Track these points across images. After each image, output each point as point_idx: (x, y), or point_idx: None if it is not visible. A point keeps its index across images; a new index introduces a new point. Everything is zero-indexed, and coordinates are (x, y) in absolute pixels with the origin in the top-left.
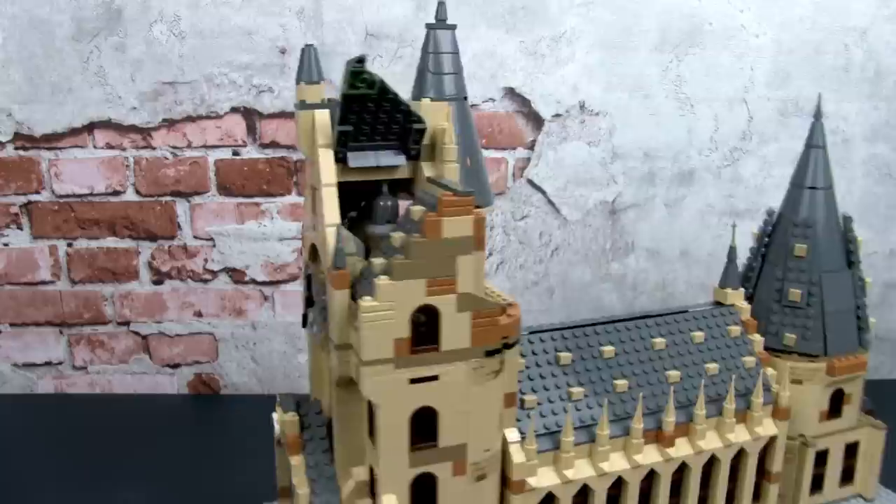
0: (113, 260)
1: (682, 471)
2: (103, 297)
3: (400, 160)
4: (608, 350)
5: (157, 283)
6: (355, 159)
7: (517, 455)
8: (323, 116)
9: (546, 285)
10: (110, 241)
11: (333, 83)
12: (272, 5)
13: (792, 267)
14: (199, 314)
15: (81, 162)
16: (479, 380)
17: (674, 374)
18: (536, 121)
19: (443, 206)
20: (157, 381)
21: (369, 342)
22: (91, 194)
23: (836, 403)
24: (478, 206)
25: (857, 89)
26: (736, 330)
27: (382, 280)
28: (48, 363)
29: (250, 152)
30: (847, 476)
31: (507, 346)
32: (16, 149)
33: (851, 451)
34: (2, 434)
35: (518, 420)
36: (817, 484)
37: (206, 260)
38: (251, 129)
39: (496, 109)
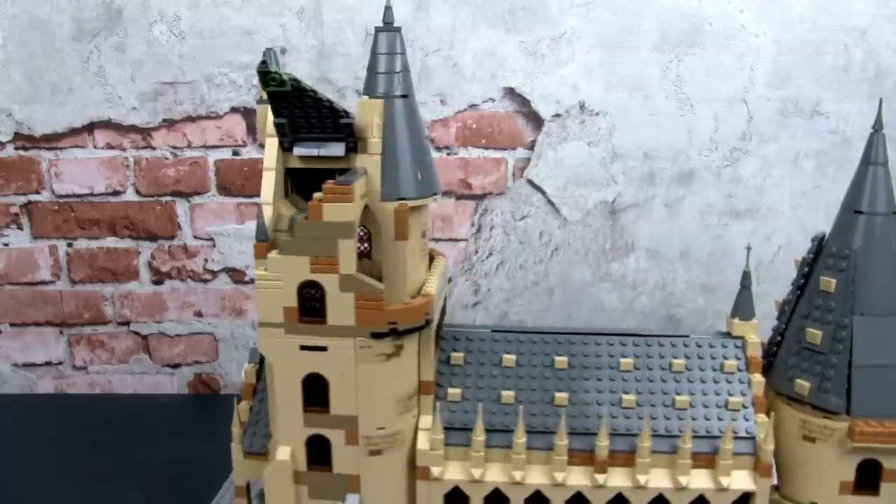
0: (113, 260)
1: None
2: (103, 297)
3: (339, 151)
4: (560, 360)
5: (158, 283)
6: (300, 149)
7: (422, 442)
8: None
9: (546, 285)
10: (110, 241)
11: (334, 83)
12: (272, 5)
13: (818, 304)
14: (199, 314)
15: (81, 162)
16: (368, 359)
17: (628, 398)
18: (536, 121)
19: (325, 193)
20: (157, 381)
21: (262, 306)
22: (91, 194)
23: (871, 477)
24: (434, 195)
25: (857, 89)
26: (732, 365)
27: (272, 254)
28: (48, 363)
29: (250, 152)
30: None
31: (397, 333)
32: (16, 149)
33: None
34: (2, 434)
35: (440, 411)
36: None
37: (206, 260)
38: (251, 129)
39: (496, 109)
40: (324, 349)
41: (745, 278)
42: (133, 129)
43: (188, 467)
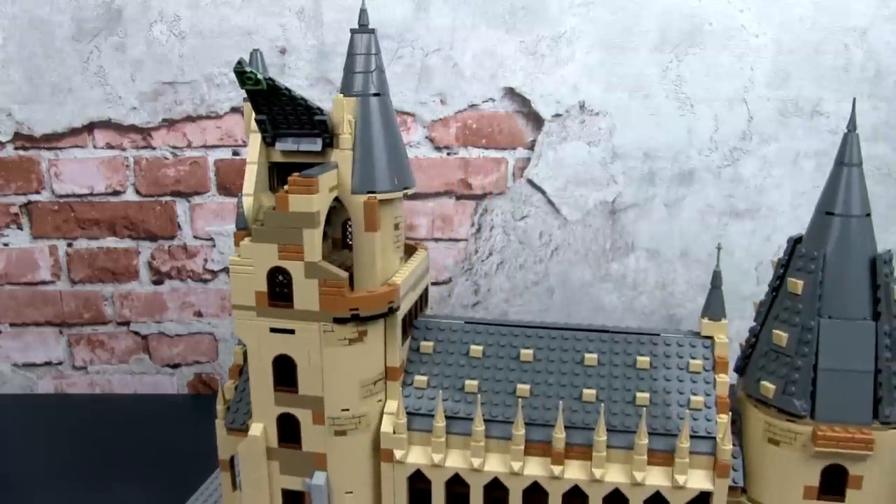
0: (113, 260)
1: (585, 498)
2: (103, 297)
3: (316, 146)
4: (526, 353)
5: (157, 283)
6: (280, 144)
7: (386, 425)
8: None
9: (546, 285)
10: (110, 241)
11: (334, 83)
12: (272, 5)
13: (786, 305)
14: (199, 314)
15: (81, 162)
16: (331, 343)
17: (588, 393)
18: (536, 121)
19: (290, 185)
20: (157, 381)
21: (235, 290)
22: (91, 194)
23: (837, 483)
24: (405, 188)
25: (857, 89)
26: (698, 364)
27: (244, 241)
28: (48, 363)
29: None
30: None
31: (359, 319)
32: (16, 149)
33: None
34: (2, 434)
35: (406, 396)
36: None
37: (206, 260)
38: None
39: (496, 109)
40: (291, 332)
41: (716, 278)
42: (133, 128)
43: (188, 467)
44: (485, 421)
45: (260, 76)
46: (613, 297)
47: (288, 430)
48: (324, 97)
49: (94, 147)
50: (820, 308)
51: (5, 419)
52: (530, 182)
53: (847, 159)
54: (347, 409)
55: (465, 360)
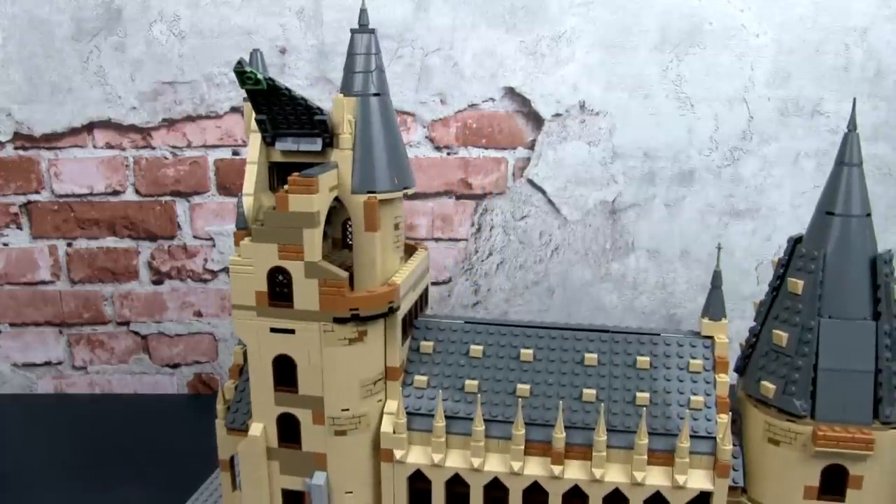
0: (113, 260)
1: (585, 498)
2: (103, 296)
3: (316, 146)
4: (526, 353)
5: (157, 282)
6: (280, 144)
7: (386, 425)
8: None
9: (546, 285)
10: (110, 241)
11: (333, 83)
12: (272, 5)
13: (786, 305)
14: (198, 314)
15: (81, 162)
16: (331, 343)
17: (588, 393)
18: (536, 120)
19: (290, 185)
20: (156, 381)
21: (235, 290)
22: (91, 194)
23: (837, 483)
24: (405, 188)
25: (858, 89)
26: (698, 364)
27: (245, 241)
28: (48, 363)
29: None
30: None
31: (359, 318)
32: (15, 149)
33: None
34: (2, 434)
35: (406, 396)
36: None
37: (205, 260)
38: None
39: (496, 109)
40: (291, 332)
41: (716, 278)
42: (133, 128)
43: (188, 467)
44: (485, 421)
45: (260, 76)
46: (613, 297)
47: (288, 429)
48: (324, 97)
49: (94, 147)
50: (820, 308)
51: (5, 419)
52: (530, 182)
53: (847, 159)
54: (347, 409)
55: (465, 360)
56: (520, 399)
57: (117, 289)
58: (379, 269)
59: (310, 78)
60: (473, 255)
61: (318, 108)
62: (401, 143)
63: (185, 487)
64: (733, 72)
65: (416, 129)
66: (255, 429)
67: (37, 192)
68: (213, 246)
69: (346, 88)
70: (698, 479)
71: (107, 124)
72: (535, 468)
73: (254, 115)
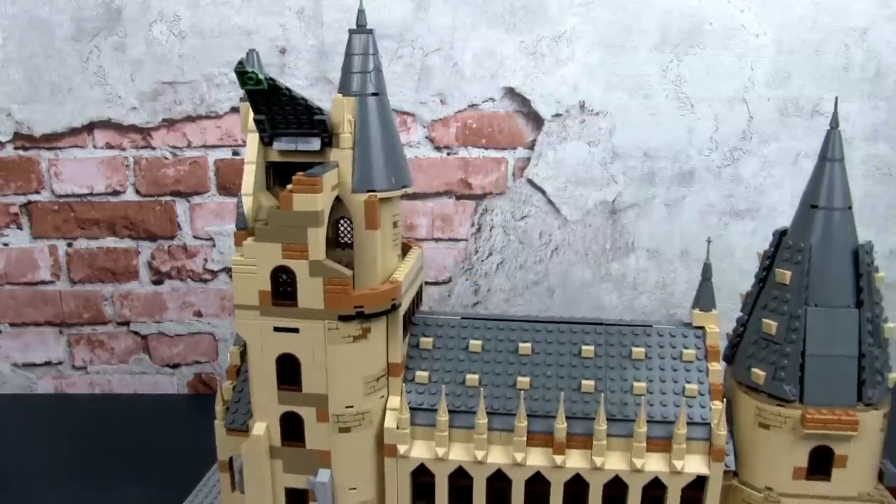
0: (113, 260)
1: (586, 486)
2: (103, 297)
3: (314, 145)
4: (524, 347)
5: (157, 282)
6: (279, 143)
7: (389, 421)
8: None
9: (546, 285)
10: (110, 241)
11: (333, 83)
12: (272, 5)
13: (774, 295)
14: (198, 314)
15: (81, 162)
16: (336, 340)
17: (587, 384)
18: (536, 120)
19: (294, 184)
20: (156, 381)
21: (238, 289)
22: (91, 194)
23: (824, 463)
24: (404, 187)
25: (858, 89)
26: (691, 354)
27: (248, 241)
28: (48, 363)
29: None
30: None
31: (363, 316)
32: (16, 149)
33: None
34: (2, 434)
35: (408, 392)
36: None
37: (205, 260)
38: None
39: (496, 109)
40: (296, 331)
41: (706, 270)
42: (133, 128)
43: (188, 467)
44: (487, 414)
45: (261, 76)
46: (613, 297)
47: (291, 428)
48: (324, 97)
49: (94, 147)
50: (807, 297)
51: (5, 419)
52: (530, 182)
53: (830, 154)
54: (352, 406)
55: (465, 355)
56: (521, 391)
57: (117, 289)
58: (380, 267)
59: (310, 78)
60: (473, 255)
61: (318, 108)
62: (399, 143)
63: (184, 487)
64: (733, 72)
65: (416, 130)
66: (258, 428)
67: (37, 192)
68: (213, 246)
69: (345, 88)
70: (695, 464)
71: (107, 124)
72: (537, 459)
73: (251, 115)
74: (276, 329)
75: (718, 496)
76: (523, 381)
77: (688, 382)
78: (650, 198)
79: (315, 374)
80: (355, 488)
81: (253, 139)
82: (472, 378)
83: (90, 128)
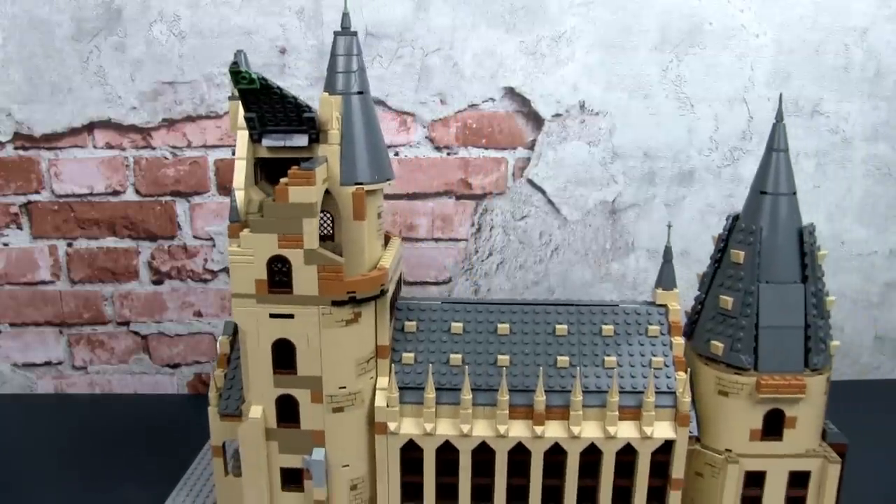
0: (113, 260)
1: (564, 454)
2: (103, 296)
3: (303, 142)
4: (503, 327)
5: (157, 282)
6: (268, 140)
7: (379, 400)
8: (241, 106)
9: (546, 285)
10: (110, 241)
11: None
12: (272, 5)
13: (729, 274)
14: (198, 314)
15: (81, 162)
16: (329, 325)
17: (563, 360)
18: (536, 120)
19: (290, 177)
20: (156, 381)
21: (235, 279)
22: (91, 194)
23: (776, 425)
24: (388, 180)
25: (858, 89)
26: (655, 329)
27: (244, 232)
28: (48, 363)
29: None
30: None
31: (355, 301)
32: (15, 149)
33: (804, 480)
34: (2, 434)
35: (396, 373)
36: None
37: (205, 260)
38: None
39: (496, 109)
40: (291, 316)
41: (667, 253)
42: (133, 128)
43: (188, 467)
44: (471, 390)
45: (254, 76)
46: (614, 297)
47: (286, 410)
48: None
49: (94, 147)
50: (758, 275)
51: (5, 419)
52: (530, 182)
53: (776, 146)
54: (344, 387)
55: (448, 337)
56: (502, 368)
57: (117, 289)
58: (367, 255)
59: (310, 78)
60: (473, 255)
61: (307, 106)
62: (381, 138)
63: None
64: (733, 72)
65: (416, 130)
66: (255, 411)
67: (37, 192)
68: (213, 246)
69: (330, 87)
70: (663, 430)
71: (107, 124)
72: (518, 430)
73: (241, 113)
74: (272, 315)
75: (685, 459)
76: (503, 359)
77: (654, 356)
78: (650, 198)
79: (309, 357)
80: (348, 465)
81: (243, 136)
82: (455, 358)
83: (90, 128)
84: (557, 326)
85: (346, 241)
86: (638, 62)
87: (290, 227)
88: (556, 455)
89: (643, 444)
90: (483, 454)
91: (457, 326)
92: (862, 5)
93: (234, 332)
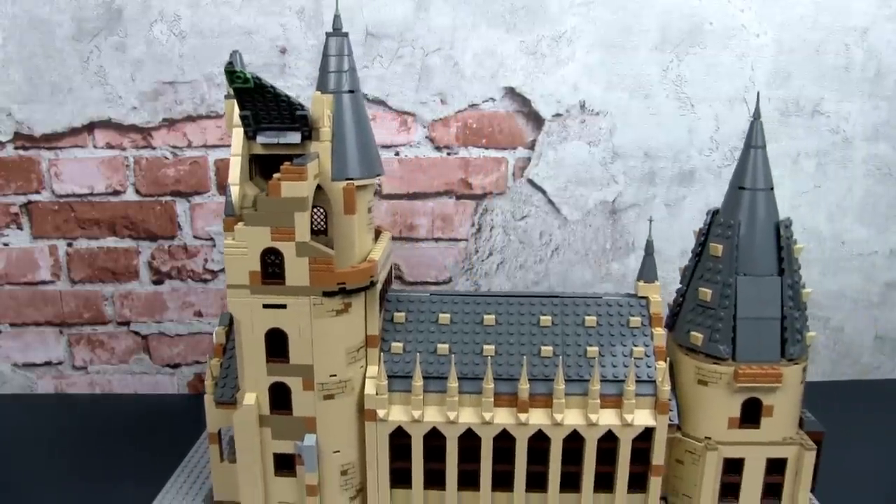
0: (113, 260)
1: (547, 441)
2: (103, 296)
3: (296, 139)
4: (489, 318)
5: (158, 282)
6: (262, 137)
7: (369, 388)
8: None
9: (546, 285)
10: (110, 241)
11: None
12: (272, 5)
13: (708, 267)
14: (199, 314)
15: (81, 162)
16: (321, 315)
17: (546, 349)
18: (536, 120)
19: (282, 172)
20: (157, 381)
21: (230, 270)
22: (91, 194)
23: (753, 413)
24: (378, 176)
25: (858, 89)
26: (637, 321)
27: (239, 225)
28: (48, 363)
29: None
30: (774, 492)
31: (345, 291)
32: (16, 148)
33: (781, 467)
34: (2, 434)
35: (385, 362)
36: (732, 492)
37: (206, 260)
38: None
39: (496, 109)
40: (283, 307)
41: (649, 246)
42: (133, 128)
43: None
44: (457, 378)
45: (248, 75)
46: None
47: (279, 397)
48: None
49: (94, 147)
50: (737, 267)
51: (5, 419)
52: (530, 182)
53: (754, 143)
54: (335, 375)
55: (435, 327)
56: (488, 358)
57: (117, 289)
58: (357, 248)
59: (310, 78)
60: (473, 255)
61: (300, 104)
62: (371, 136)
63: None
64: (733, 72)
65: (416, 129)
66: (249, 398)
67: (37, 192)
68: (214, 246)
69: (322, 86)
70: (643, 417)
71: (107, 124)
72: (503, 417)
73: (236, 111)
74: (266, 306)
75: (664, 445)
76: (489, 348)
77: (635, 346)
78: (650, 198)
79: (301, 346)
80: (339, 451)
81: (238, 133)
82: (442, 347)
83: (90, 128)
84: (542, 317)
85: (337, 235)
86: (638, 62)
87: (282, 220)
88: (540, 442)
89: (624, 431)
90: (469, 441)
91: (444, 317)
92: (862, 5)
93: (229, 322)
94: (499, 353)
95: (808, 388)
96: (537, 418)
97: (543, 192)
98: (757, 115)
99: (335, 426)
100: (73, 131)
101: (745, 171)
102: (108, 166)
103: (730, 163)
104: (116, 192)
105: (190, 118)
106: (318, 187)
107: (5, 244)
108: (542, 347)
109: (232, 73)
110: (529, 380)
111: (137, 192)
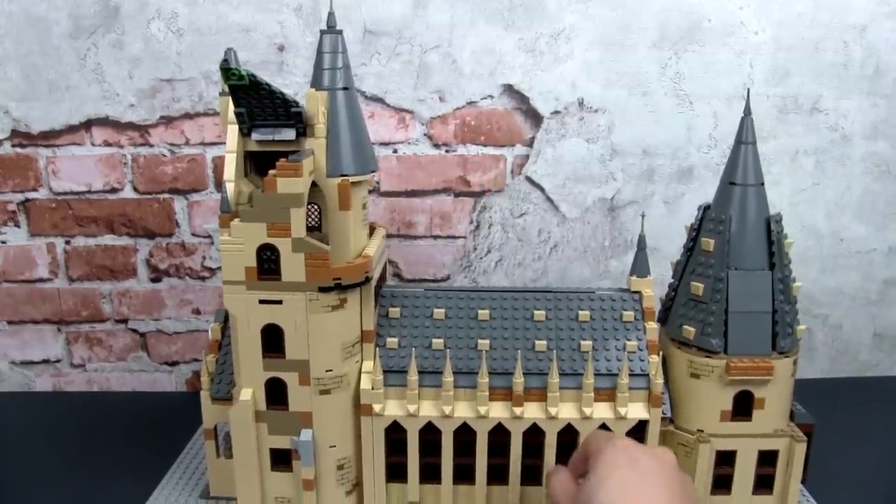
0: (111, 257)
1: (542, 434)
2: (101, 294)
3: (290, 135)
4: (483, 313)
5: (155, 280)
6: (257, 134)
7: (365, 383)
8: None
9: (545, 282)
10: (108, 239)
11: None
12: (270, 2)
13: (700, 261)
14: (197, 311)
15: (79, 159)
16: (316, 310)
17: (540, 344)
18: (535, 118)
19: (278, 168)
20: (155, 379)
21: (226, 267)
22: (89, 192)
23: (745, 406)
24: (372, 172)
25: (857, 86)
26: (630, 315)
27: (235, 221)
28: (46, 361)
29: None
30: (766, 484)
31: (341, 287)
32: (13, 146)
33: (773, 459)
34: (0, 432)
35: (380, 357)
36: (724, 484)
37: (203, 257)
38: None
39: (494, 106)
40: (279, 302)
41: (641, 241)
42: (131, 126)
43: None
44: (452, 373)
45: (243, 72)
46: None
47: (275, 393)
48: None
49: (92, 144)
50: (728, 262)
51: (3, 417)
52: (529, 179)
53: (744, 139)
54: (331, 370)
55: (430, 322)
56: (483, 352)
57: (115, 286)
58: (352, 244)
59: (308, 75)
60: (472, 252)
61: (295, 101)
62: (366, 132)
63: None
64: (732, 69)
65: (414, 127)
66: (245, 394)
67: (35, 190)
68: (212, 243)
69: (317, 83)
70: (637, 410)
71: (105, 122)
72: (498, 411)
73: (231, 108)
74: (262, 301)
75: (657, 438)
76: (483, 343)
77: (628, 340)
78: (649, 195)
79: (297, 341)
80: (335, 446)
81: (233, 130)
82: (437, 342)
83: (88, 125)
84: (536, 312)
85: (332, 231)
86: (637, 59)
87: (278, 216)
88: (534, 435)
89: (618, 424)
90: (464, 435)
91: (439, 312)
92: (861, 2)
93: (225, 319)
94: (493, 348)
95: (808, 385)
96: (532, 412)
97: (542, 189)
98: (748, 112)
99: (331, 421)
100: (71, 129)
101: (736, 167)
102: (105, 164)
103: None
104: (114, 190)
105: (188, 115)
106: (313, 184)
107: (3, 242)
108: (537, 342)
109: (227, 71)
110: (524, 374)
111: (135, 189)
